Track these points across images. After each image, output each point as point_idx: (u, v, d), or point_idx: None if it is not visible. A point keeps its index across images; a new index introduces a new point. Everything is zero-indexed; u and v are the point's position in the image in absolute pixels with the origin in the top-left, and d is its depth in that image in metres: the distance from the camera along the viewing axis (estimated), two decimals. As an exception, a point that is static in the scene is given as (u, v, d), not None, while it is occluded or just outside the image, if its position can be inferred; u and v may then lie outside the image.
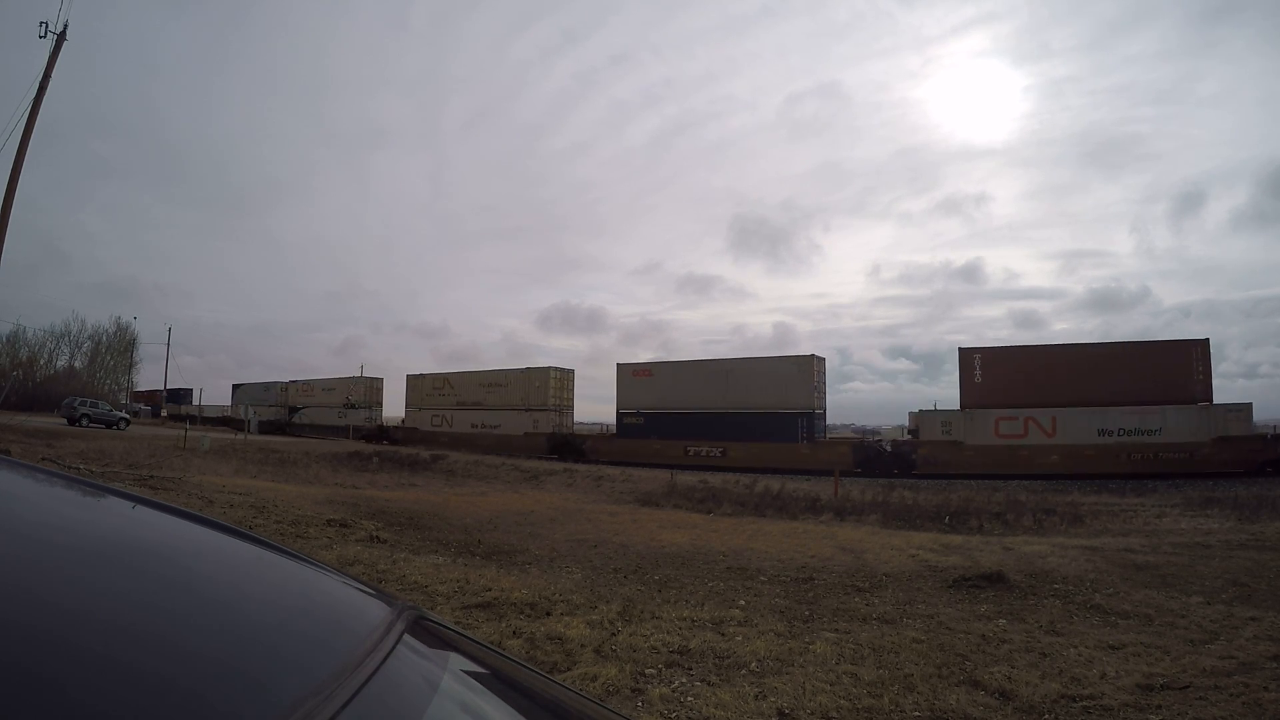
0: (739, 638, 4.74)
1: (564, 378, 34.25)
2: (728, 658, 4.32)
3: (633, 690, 3.76)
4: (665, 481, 18.30)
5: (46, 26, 17.08)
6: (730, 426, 27.14)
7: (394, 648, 0.64)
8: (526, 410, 33.20)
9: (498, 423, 34.13)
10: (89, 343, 64.34)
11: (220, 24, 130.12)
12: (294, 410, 45.88)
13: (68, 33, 17.19)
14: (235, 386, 55.54)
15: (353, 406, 41.86)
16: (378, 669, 0.57)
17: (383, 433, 39.08)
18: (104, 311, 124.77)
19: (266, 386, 51.20)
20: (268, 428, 41.69)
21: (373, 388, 42.86)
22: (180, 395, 62.79)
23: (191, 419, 49.41)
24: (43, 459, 14.85)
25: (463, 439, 33.48)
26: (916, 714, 3.55)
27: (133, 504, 0.86)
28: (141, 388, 69.78)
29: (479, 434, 33.99)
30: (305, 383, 47.91)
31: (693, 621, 5.16)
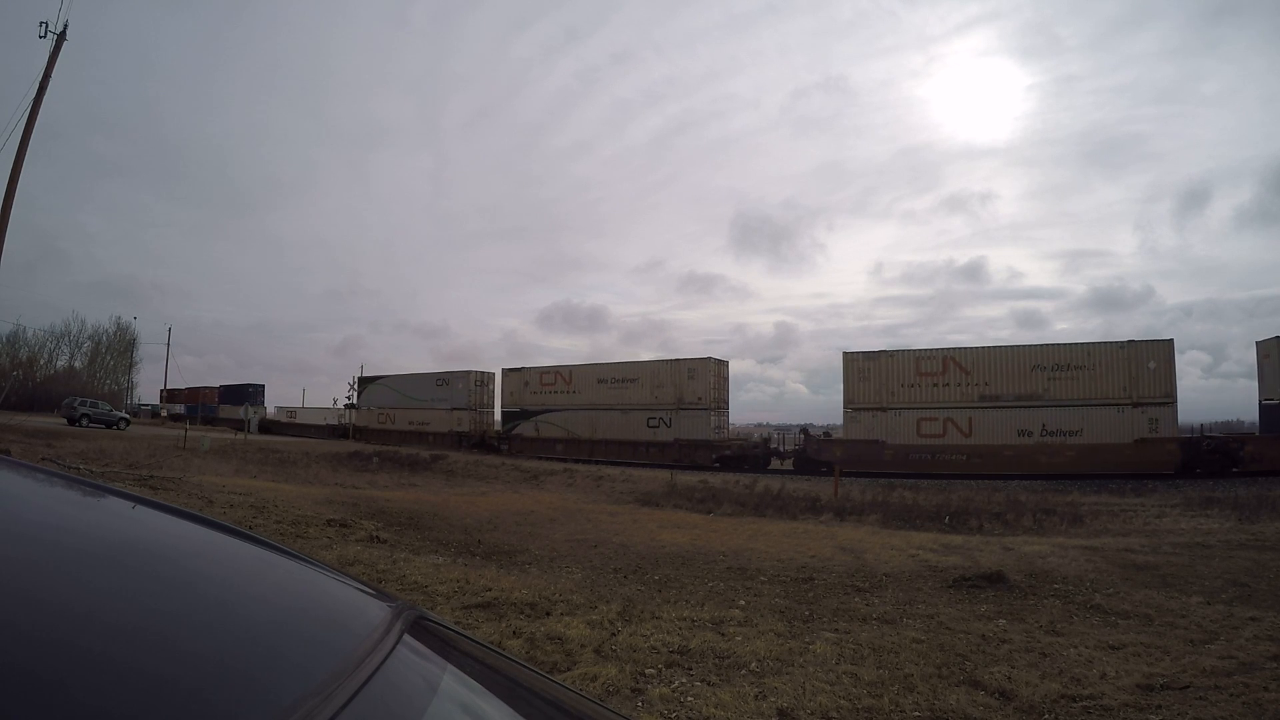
0: (739, 638, 4.74)
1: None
2: (728, 658, 4.32)
3: (633, 690, 3.76)
4: (665, 481, 18.30)
5: (46, 26, 17.12)
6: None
7: (394, 648, 0.64)
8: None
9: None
10: (89, 343, 64.44)
11: (220, 23, 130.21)
12: (530, 415, 31.39)
13: (68, 33, 17.22)
14: (363, 381, 41.31)
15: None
16: (378, 669, 0.57)
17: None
18: (103, 311, 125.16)
19: (421, 379, 37.23)
20: (444, 442, 31.61)
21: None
22: (244, 393, 51.13)
23: (273, 429, 43.79)
24: (43, 459, 14.84)
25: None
26: (916, 714, 3.55)
27: (133, 504, 0.86)
28: (178, 384, 61.47)
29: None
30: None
31: (693, 621, 5.16)
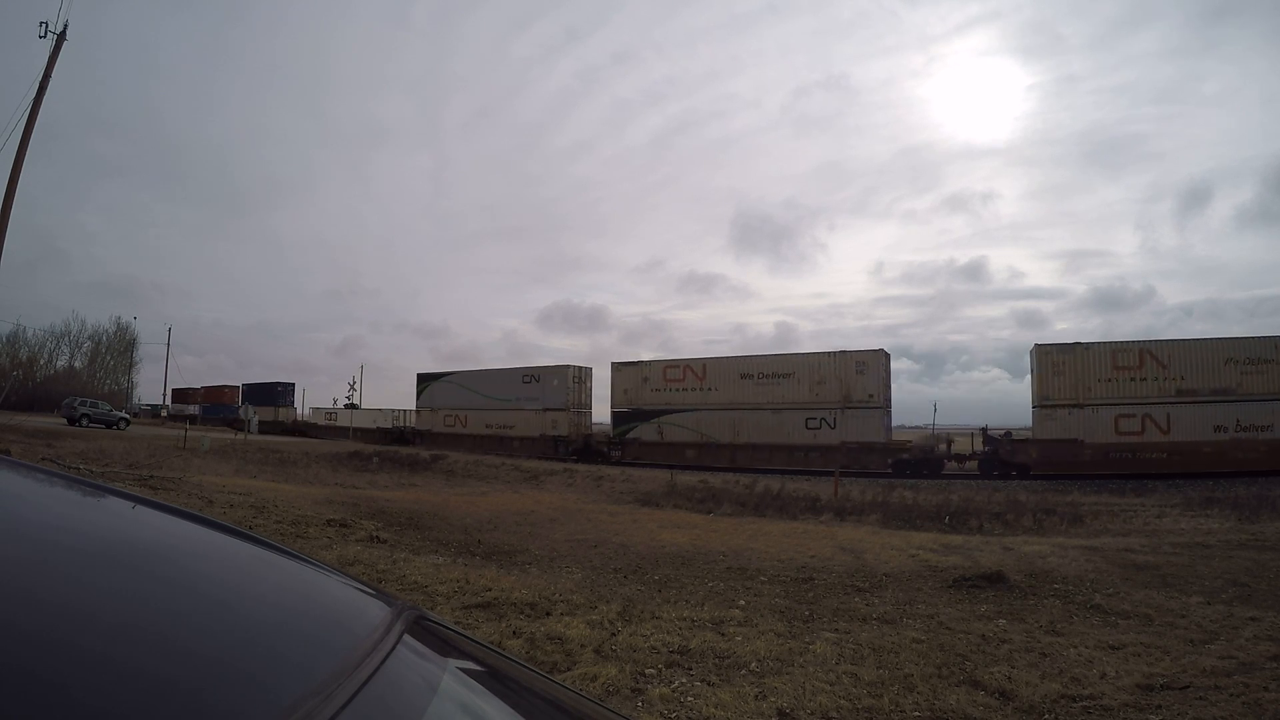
0: (739, 638, 4.74)
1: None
2: (728, 658, 4.32)
3: (633, 690, 3.76)
4: (665, 481, 18.30)
5: (46, 26, 17.13)
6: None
7: (394, 648, 0.64)
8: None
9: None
10: (89, 343, 64.35)
11: (220, 22, 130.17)
12: (651, 417, 26.93)
13: (68, 33, 17.23)
14: (425, 378, 35.90)
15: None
16: (378, 669, 0.57)
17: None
18: (103, 311, 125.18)
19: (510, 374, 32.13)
20: (535, 448, 28.14)
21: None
22: (272, 392, 46.53)
23: (308, 431, 39.60)
24: (43, 459, 14.84)
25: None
26: (916, 714, 3.55)
27: (133, 504, 0.86)
28: (184, 383, 57.42)
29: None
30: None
31: (693, 621, 5.16)
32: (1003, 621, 5.39)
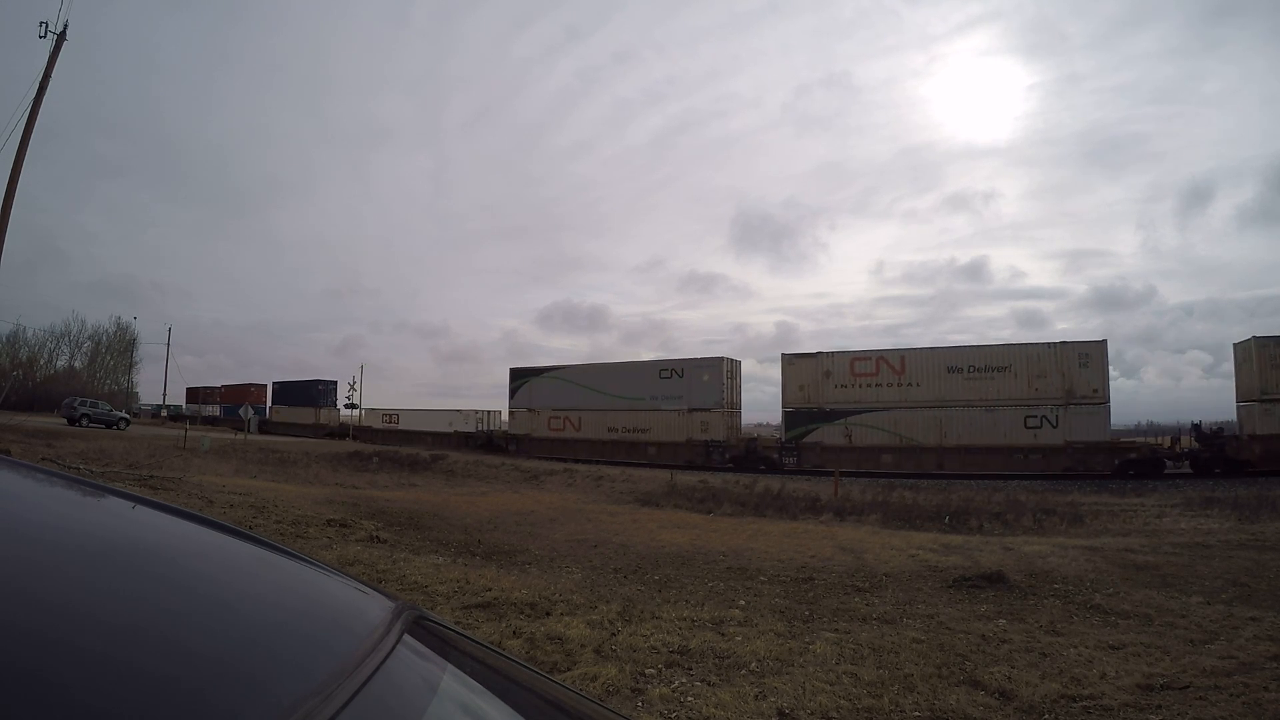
0: (739, 638, 4.74)
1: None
2: (728, 658, 4.32)
3: (633, 690, 3.76)
4: (665, 481, 18.30)
5: (46, 26, 17.12)
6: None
7: (394, 648, 0.64)
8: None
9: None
10: (89, 343, 64.40)
11: (220, 22, 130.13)
12: (835, 417, 23.45)
13: (68, 33, 17.22)
14: (521, 374, 31.55)
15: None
16: (378, 669, 0.57)
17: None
18: (103, 311, 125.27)
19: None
20: (680, 453, 24.92)
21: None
22: (311, 392, 40.83)
23: (373, 436, 33.99)
24: (43, 459, 14.84)
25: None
26: (916, 714, 3.55)
27: (133, 504, 0.86)
28: (198, 381, 52.83)
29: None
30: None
31: (693, 621, 5.16)
32: (1003, 621, 5.39)
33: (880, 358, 23.47)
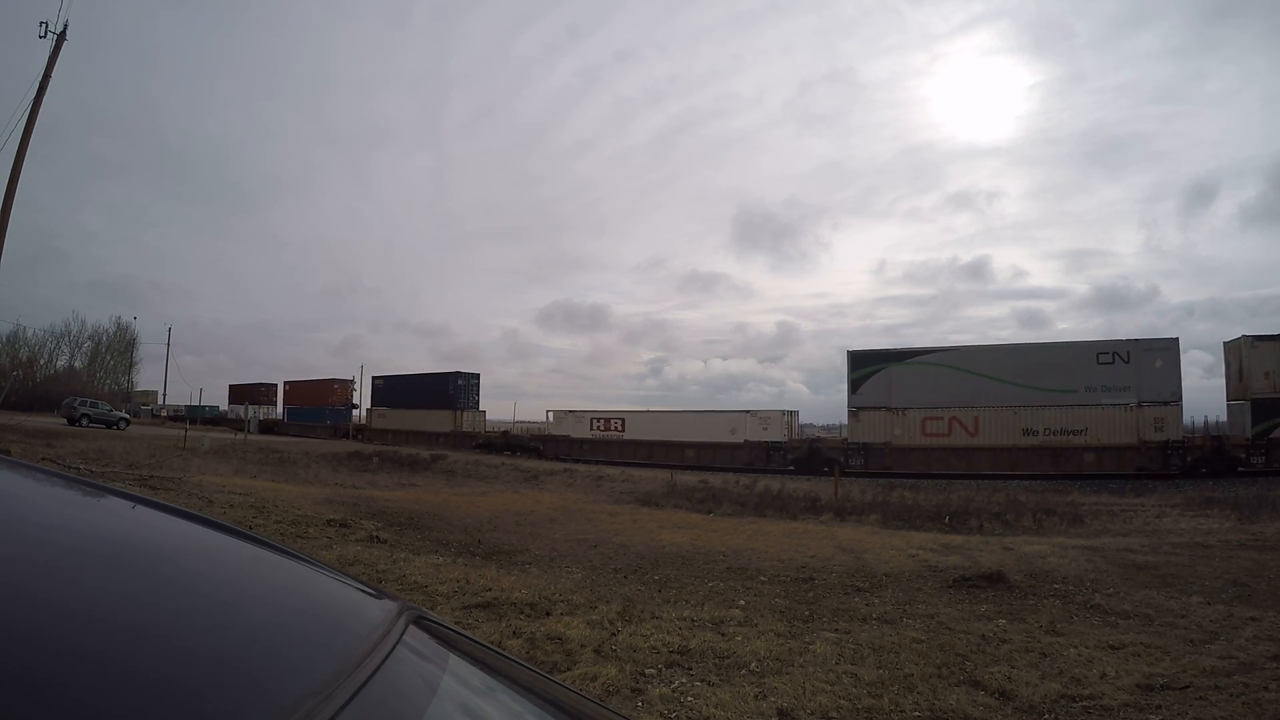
0: (739, 638, 4.74)
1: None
2: (728, 658, 4.32)
3: (633, 690, 3.76)
4: (665, 481, 18.31)
5: (46, 26, 17.15)
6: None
7: (394, 648, 0.64)
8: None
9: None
10: (89, 343, 64.29)
11: (220, 22, 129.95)
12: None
13: (68, 33, 17.23)
14: (863, 356, 24.15)
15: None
16: (378, 669, 0.57)
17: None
18: (103, 311, 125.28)
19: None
20: (1123, 460, 20.14)
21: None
22: (442, 391, 29.79)
23: (537, 448, 25.49)
24: (43, 459, 14.84)
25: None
26: (916, 714, 3.55)
27: (133, 504, 0.86)
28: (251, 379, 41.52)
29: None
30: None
31: (693, 621, 5.16)
32: (1003, 621, 5.39)
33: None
